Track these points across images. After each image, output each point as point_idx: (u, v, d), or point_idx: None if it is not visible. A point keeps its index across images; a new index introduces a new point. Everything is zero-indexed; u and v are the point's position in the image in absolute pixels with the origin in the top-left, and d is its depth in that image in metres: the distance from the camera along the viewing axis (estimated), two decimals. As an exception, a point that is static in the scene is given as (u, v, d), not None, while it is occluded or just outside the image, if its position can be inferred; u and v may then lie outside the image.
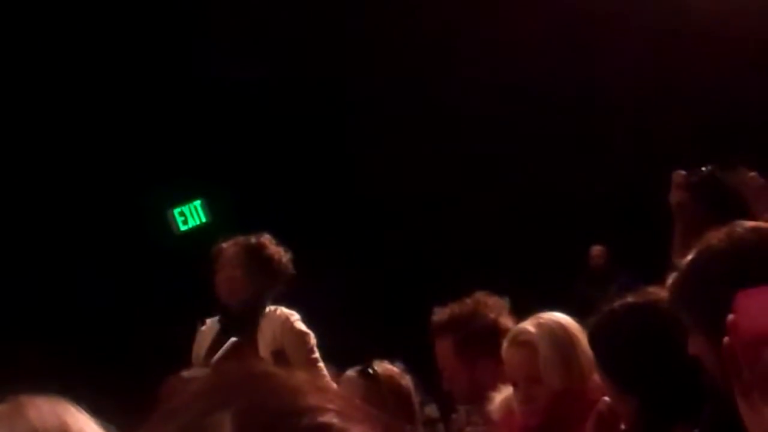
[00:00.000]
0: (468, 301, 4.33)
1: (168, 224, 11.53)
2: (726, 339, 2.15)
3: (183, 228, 11.56)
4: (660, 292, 3.32)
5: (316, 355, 5.70)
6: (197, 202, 11.57)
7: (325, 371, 5.53)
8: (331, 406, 0.85)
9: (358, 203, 11.20)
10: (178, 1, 11.41)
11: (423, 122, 11.56)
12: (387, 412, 3.95)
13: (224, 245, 5.85)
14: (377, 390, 4.39)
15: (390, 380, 4.47)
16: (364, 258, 11.02)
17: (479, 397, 4.08)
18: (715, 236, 2.66)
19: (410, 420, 4.51)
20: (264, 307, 5.72)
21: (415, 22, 11.24)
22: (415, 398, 4.64)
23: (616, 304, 3.39)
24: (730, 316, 2.11)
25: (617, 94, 11.22)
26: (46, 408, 1.65)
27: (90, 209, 11.11)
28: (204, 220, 11.47)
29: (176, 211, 11.56)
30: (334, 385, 5.15)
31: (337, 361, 5.70)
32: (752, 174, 4.03)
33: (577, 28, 11.20)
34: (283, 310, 5.74)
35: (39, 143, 11.11)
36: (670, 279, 2.75)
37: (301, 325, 5.72)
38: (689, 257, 2.66)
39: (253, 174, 11.25)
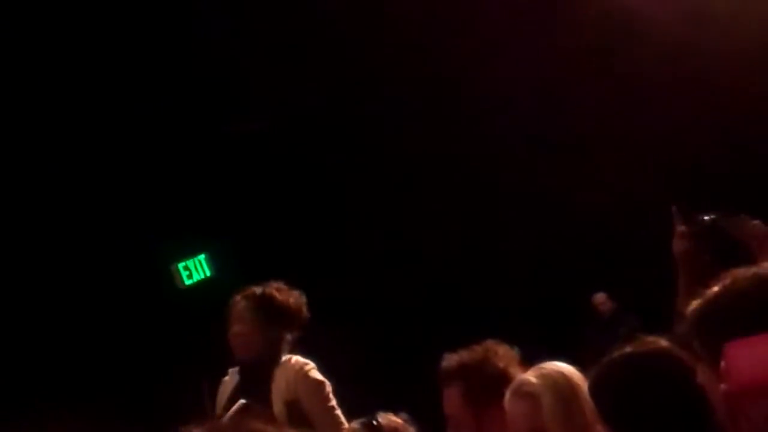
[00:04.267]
0: (478, 348, 4.32)
1: (173, 279, 11.56)
2: (722, 386, 2.17)
3: (188, 282, 11.58)
4: (660, 341, 3.36)
5: (333, 403, 5.66)
6: (201, 257, 11.60)
7: (342, 419, 5.50)
8: None
9: (359, 252, 11.23)
10: (171, 55, 11.51)
11: (425, 174, 11.64)
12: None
13: (235, 299, 5.86)
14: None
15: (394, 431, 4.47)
16: (368, 307, 11.03)
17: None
18: (718, 283, 2.65)
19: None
20: (279, 357, 5.70)
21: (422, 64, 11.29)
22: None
23: (615, 354, 3.41)
24: (722, 365, 2.13)
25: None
26: None
27: (95, 265, 11.14)
28: (208, 274, 11.49)
29: (181, 265, 11.59)
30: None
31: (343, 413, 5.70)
32: (756, 222, 4.06)
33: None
34: (298, 360, 5.71)
35: (43, 200, 11.17)
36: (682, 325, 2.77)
37: (316, 374, 5.69)
38: (694, 306, 2.70)
39: (256, 226, 11.29)
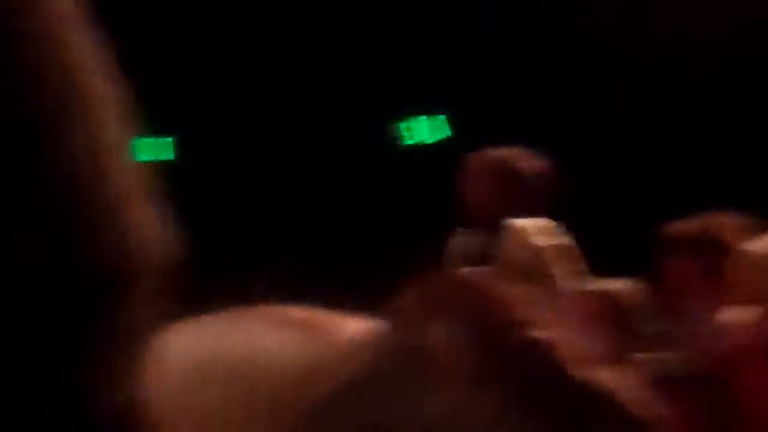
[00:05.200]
0: (705, 219, 4.23)
1: (395, 138, 11.70)
2: None
3: (408, 142, 11.70)
4: None
5: (553, 269, 5.67)
6: (423, 118, 11.66)
7: (561, 285, 5.42)
8: (543, 320, 0.83)
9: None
10: None
11: None
12: (610, 328, 3.92)
13: (473, 156, 5.87)
14: (601, 307, 4.36)
15: (612, 298, 4.41)
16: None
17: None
18: None
19: (633, 336, 4.47)
20: (507, 220, 5.66)
21: None
22: (639, 317, 4.57)
23: None
24: None
25: None
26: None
27: (327, 126, 11.36)
28: (447, 134, 11.54)
29: (403, 125, 11.70)
30: (554, 301, 5.11)
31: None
32: None
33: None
34: (524, 223, 5.65)
35: (280, 58, 11.38)
36: None
37: (539, 239, 5.62)
38: None
39: (478, 93, 11.20)
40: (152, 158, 11.34)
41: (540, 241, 5.71)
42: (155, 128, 11.36)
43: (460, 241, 5.91)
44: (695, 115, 10.77)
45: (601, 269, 4.83)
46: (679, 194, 7.99)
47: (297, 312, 1.60)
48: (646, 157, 10.86)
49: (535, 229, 5.73)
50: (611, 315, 4.36)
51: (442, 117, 11.55)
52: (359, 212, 11.18)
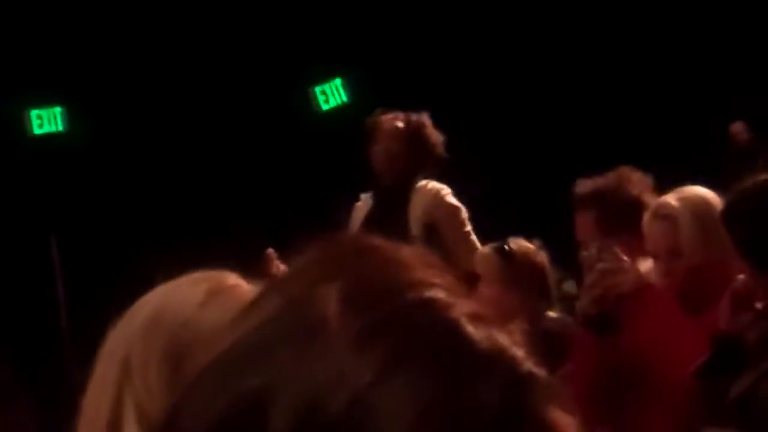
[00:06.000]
0: (612, 175, 4.30)
1: (310, 103, 11.61)
2: None
3: (325, 107, 11.64)
4: None
5: (468, 228, 5.73)
6: (337, 81, 11.59)
7: (477, 244, 5.53)
8: (438, 281, 0.82)
9: (490, 83, 11.07)
10: None
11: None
12: (521, 288, 4.03)
13: (383, 118, 5.90)
14: (512, 266, 4.40)
15: (525, 257, 4.46)
16: (505, 134, 10.94)
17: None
18: None
19: (544, 296, 4.54)
20: (416, 183, 5.77)
21: None
22: (551, 274, 4.64)
23: (749, 181, 3.36)
24: None
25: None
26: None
27: (234, 93, 11.25)
28: (345, 100, 11.51)
29: (318, 89, 11.61)
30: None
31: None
32: None
33: None
34: (434, 184, 5.78)
35: (184, 24, 11.26)
36: None
37: (452, 199, 5.76)
38: None
39: (392, 57, 11.20)
40: (42, 130, 11.17)
41: (455, 201, 5.78)
42: (44, 98, 11.19)
43: (365, 204, 5.95)
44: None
45: (512, 229, 4.88)
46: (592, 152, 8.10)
47: (215, 275, 1.66)
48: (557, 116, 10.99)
49: (445, 189, 5.80)
50: (524, 274, 4.41)
51: (338, 81, 11.50)
52: (267, 180, 11.11)
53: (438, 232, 5.66)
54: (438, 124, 6.02)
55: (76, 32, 11.00)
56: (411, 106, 6.07)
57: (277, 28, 11.29)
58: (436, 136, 5.87)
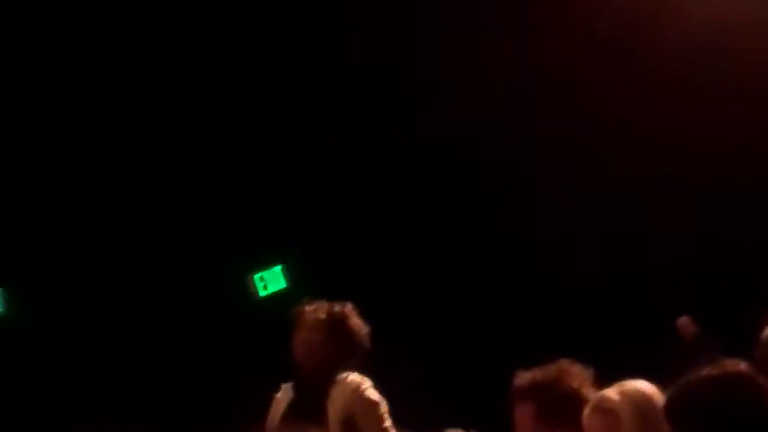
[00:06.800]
0: (551, 367, 4.25)
1: (249, 290, 11.58)
2: None
3: (263, 293, 11.59)
4: (738, 364, 3.26)
5: (388, 423, 5.62)
6: (277, 268, 11.59)
7: None
8: None
9: (433, 270, 11.13)
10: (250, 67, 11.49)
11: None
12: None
13: (307, 308, 5.85)
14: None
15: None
16: (437, 322, 10.92)
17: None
18: None
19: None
20: (336, 375, 5.69)
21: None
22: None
23: (692, 376, 3.34)
24: None
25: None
26: None
27: (172, 275, 11.19)
28: (284, 285, 11.49)
29: (257, 276, 11.60)
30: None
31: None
32: None
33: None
34: (354, 377, 5.69)
35: (123, 207, 11.27)
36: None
37: (372, 393, 5.66)
38: None
39: (331, 241, 11.25)
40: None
41: (375, 396, 5.69)
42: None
43: (286, 395, 5.84)
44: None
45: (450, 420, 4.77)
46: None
47: None
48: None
49: (366, 383, 5.71)
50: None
51: (278, 268, 11.51)
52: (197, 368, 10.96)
53: (357, 427, 5.53)
54: (374, 310, 5.96)
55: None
56: (349, 292, 6.03)
57: (219, 213, 11.34)
58: (359, 327, 5.79)
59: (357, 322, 5.79)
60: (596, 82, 11.01)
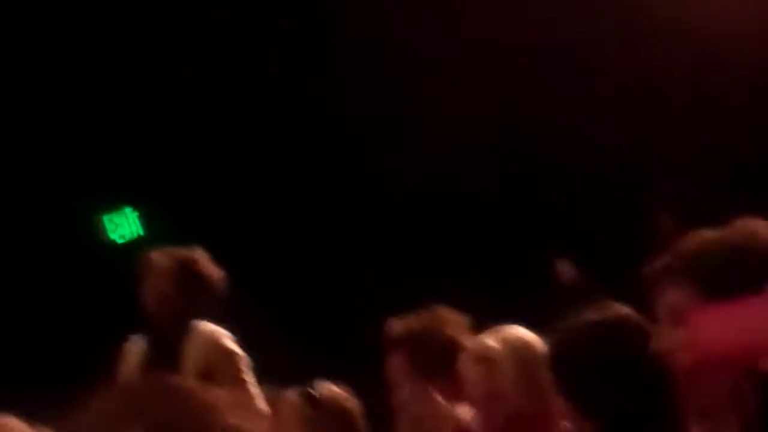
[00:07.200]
0: (426, 314, 4.14)
1: (100, 234, 11.23)
2: (684, 356, 2.04)
3: (114, 238, 11.25)
4: (622, 307, 3.20)
5: (246, 375, 5.49)
6: (130, 210, 11.25)
7: (254, 392, 5.34)
8: (248, 424, 0.81)
9: (296, 214, 10.95)
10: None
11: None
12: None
13: (154, 256, 5.67)
14: (320, 413, 4.17)
15: (334, 403, 4.23)
16: (306, 271, 10.75)
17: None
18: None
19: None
20: (191, 323, 5.52)
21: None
22: (362, 422, 4.39)
23: (576, 321, 3.27)
24: (685, 333, 2.03)
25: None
26: None
27: (12, 213, 10.76)
28: (140, 233, 11.17)
29: (106, 219, 11.23)
30: (263, 407, 4.92)
31: (279, 382, 5.42)
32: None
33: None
34: (210, 327, 5.58)
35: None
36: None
37: (229, 343, 5.54)
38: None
39: (191, 190, 10.96)
40: None
41: (231, 346, 5.56)
42: None
43: (137, 345, 5.64)
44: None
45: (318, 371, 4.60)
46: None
47: None
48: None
49: (222, 333, 5.58)
50: (333, 421, 4.14)
51: (131, 210, 11.18)
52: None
53: (214, 379, 5.36)
54: (236, 257, 5.77)
55: None
56: (209, 239, 5.82)
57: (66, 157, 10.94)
58: (210, 272, 5.60)
59: (207, 266, 5.62)
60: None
